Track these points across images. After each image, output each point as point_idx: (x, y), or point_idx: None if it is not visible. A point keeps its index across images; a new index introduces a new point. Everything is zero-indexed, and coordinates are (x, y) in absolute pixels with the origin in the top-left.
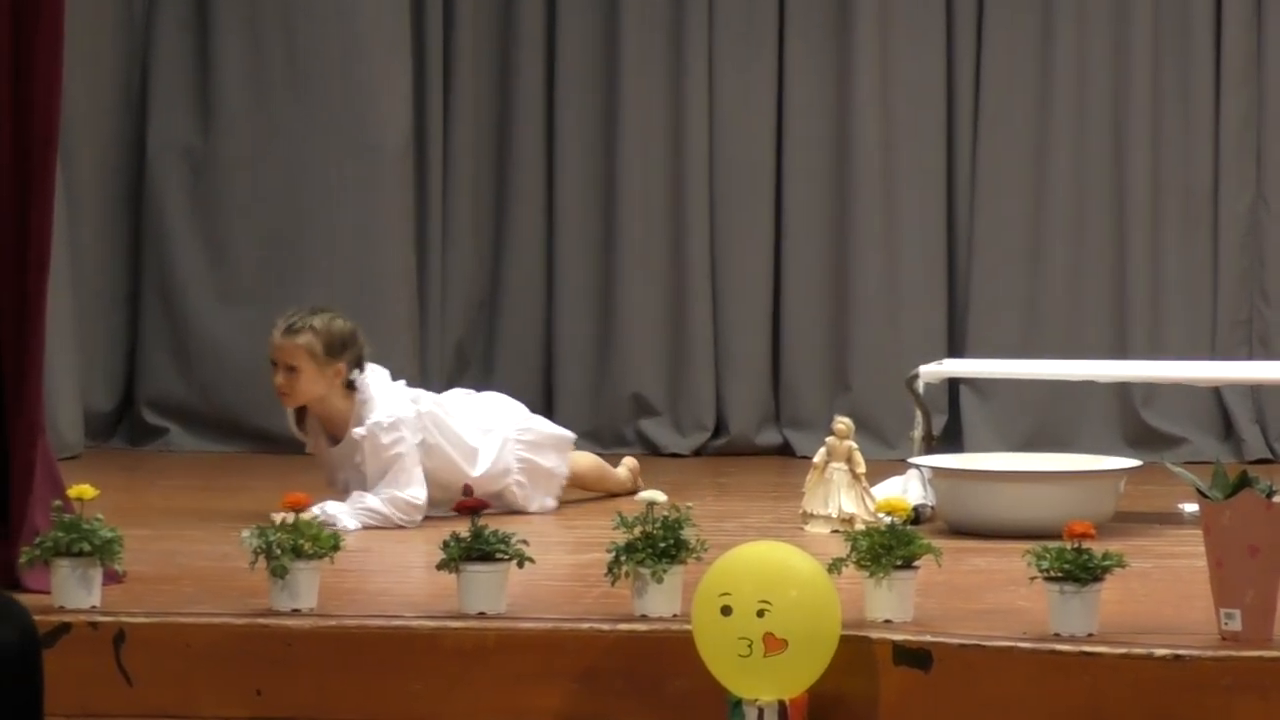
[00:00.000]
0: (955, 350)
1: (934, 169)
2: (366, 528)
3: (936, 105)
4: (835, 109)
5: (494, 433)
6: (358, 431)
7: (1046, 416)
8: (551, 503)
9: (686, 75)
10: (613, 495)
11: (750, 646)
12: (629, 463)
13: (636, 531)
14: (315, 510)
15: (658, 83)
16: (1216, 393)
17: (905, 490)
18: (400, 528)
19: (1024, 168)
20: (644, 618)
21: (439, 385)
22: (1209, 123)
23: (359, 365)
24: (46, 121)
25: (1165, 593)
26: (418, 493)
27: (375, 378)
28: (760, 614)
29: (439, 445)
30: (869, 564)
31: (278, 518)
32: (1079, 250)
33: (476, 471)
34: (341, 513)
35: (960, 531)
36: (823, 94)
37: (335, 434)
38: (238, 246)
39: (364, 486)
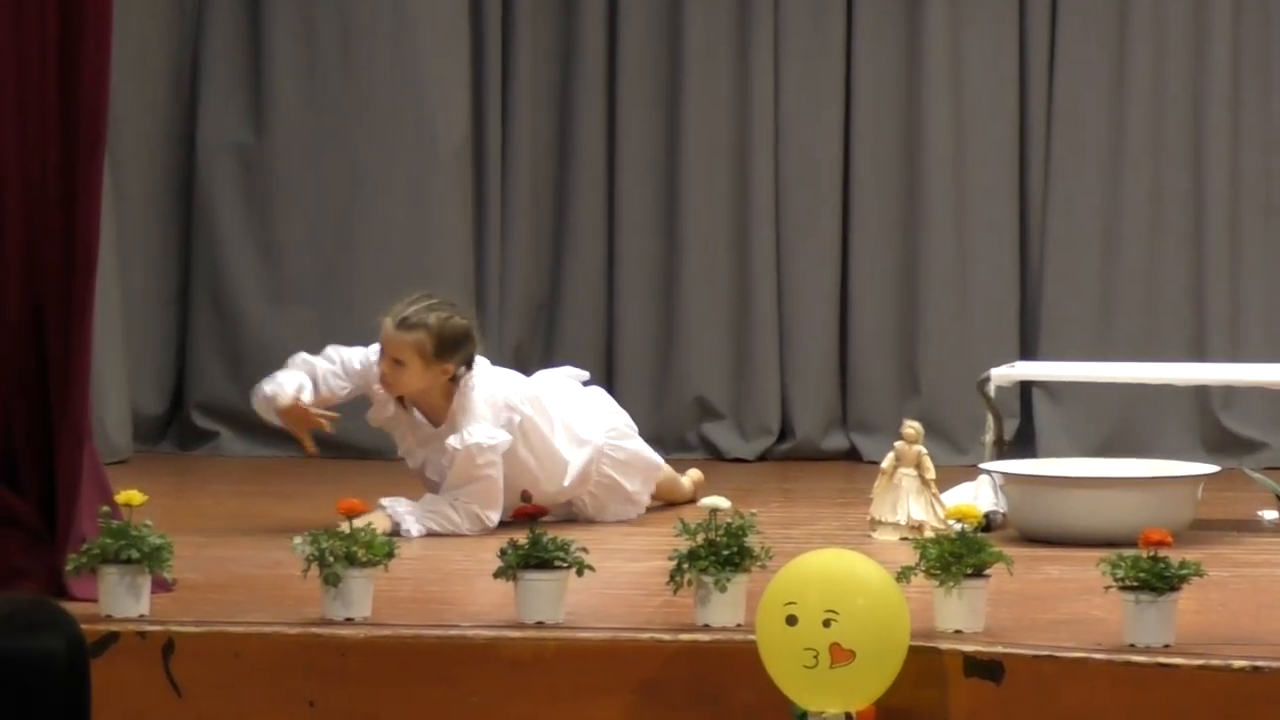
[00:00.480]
0: (1028, 351)
1: (1006, 163)
2: (430, 534)
3: (1009, 94)
4: (904, 99)
5: (587, 446)
6: (452, 443)
7: (1122, 420)
8: (622, 516)
9: (751, 66)
10: (672, 504)
11: (816, 657)
12: (694, 475)
13: (699, 539)
14: (384, 502)
15: (722, 75)
16: None
17: (976, 496)
18: (461, 535)
19: (1099, 160)
20: (707, 627)
21: None
22: None
23: (468, 364)
24: (94, 115)
25: (1244, 602)
26: (493, 516)
27: (478, 375)
28: (826, 624)
29: (525, 460)
30: (939, 572)
31: (347, 527)
32: (1155, 247)
33: (555, 487)
34: (409, 514)
35: (1033, 539)
36: (891, 85)
37: (431, 420)
38: (290, 246)
39: (442, 476)
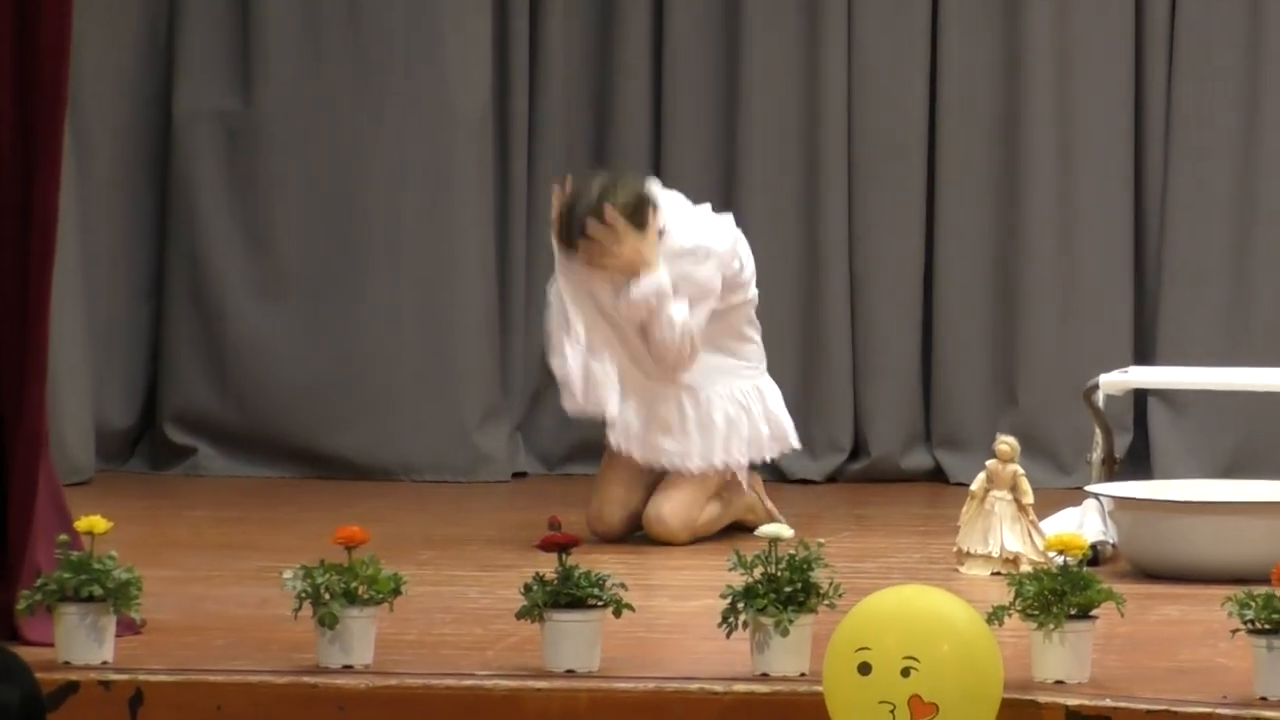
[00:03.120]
0: (1143, 356)
1: (1119, 136)
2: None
3: (1123, 65)
4: (1001, 69)
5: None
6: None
7: (1253, 436)
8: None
9: (822, 31)
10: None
11: (893, 711)
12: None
13: (757, 573)
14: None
15: (787, 40)
16: None
17: (1081, 524)
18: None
19: (1228, 135)
20: (766, 677)
21: (523, 399)
22: None
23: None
24: (54, 80)
25: None
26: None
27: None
28: (905, 673)
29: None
30: (1037, 613)
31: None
32: None
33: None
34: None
35: (1148, 574)
36: (986, 51)
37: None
38: (282, 231)
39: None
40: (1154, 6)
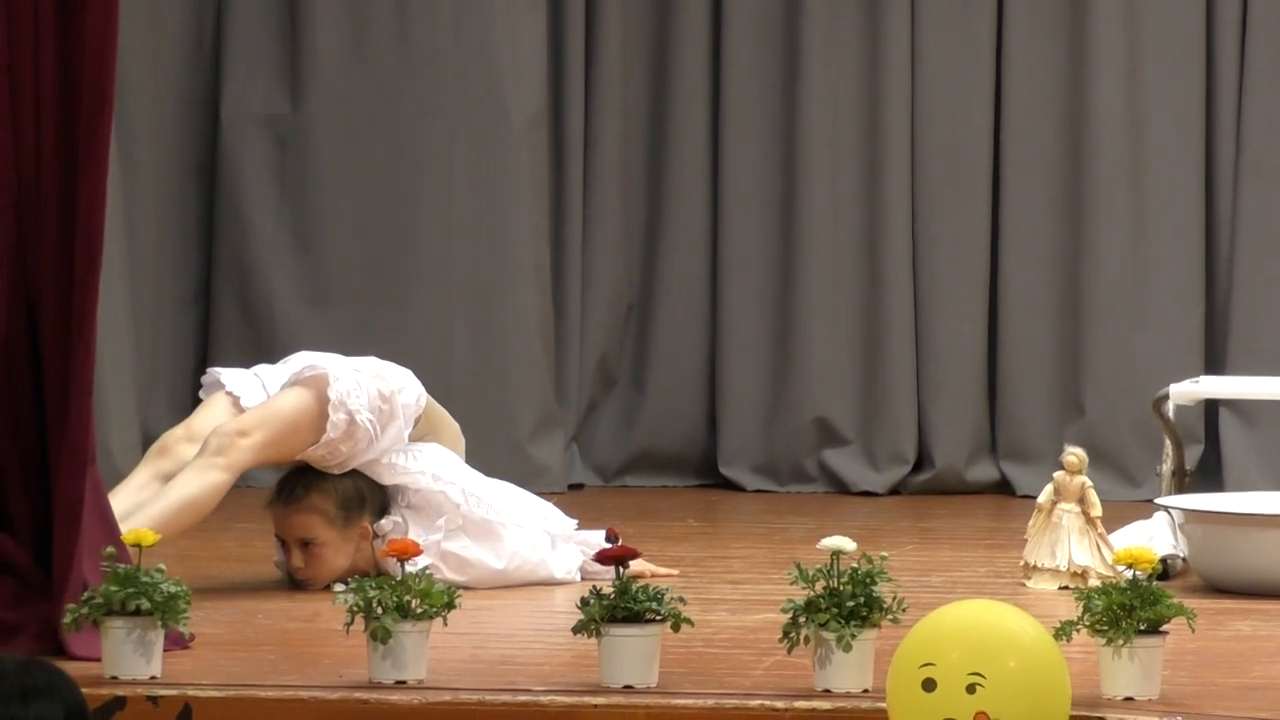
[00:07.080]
0: (1214, 365)
1: (1190, 139)
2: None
3: (1193, 58)
4: (1067, 65)
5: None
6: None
7: None
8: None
9: (884, 27)
10: None
11: None
12: None
13: (819, 587)
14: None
15: (848, 41)
16: None
17: (1151, 538)
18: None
19: None
20: (828, 693)
21: (578, 410)
22: None
23: (383, 511)
24: (98, 82)
25: None
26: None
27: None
28: (971, 689)
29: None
30: (1106, 628)
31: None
32: None
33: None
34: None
35: (1219, 588)
36: (1052, 54)
37: None
38: (332, 236)
39: None
40: (1224, 13)
